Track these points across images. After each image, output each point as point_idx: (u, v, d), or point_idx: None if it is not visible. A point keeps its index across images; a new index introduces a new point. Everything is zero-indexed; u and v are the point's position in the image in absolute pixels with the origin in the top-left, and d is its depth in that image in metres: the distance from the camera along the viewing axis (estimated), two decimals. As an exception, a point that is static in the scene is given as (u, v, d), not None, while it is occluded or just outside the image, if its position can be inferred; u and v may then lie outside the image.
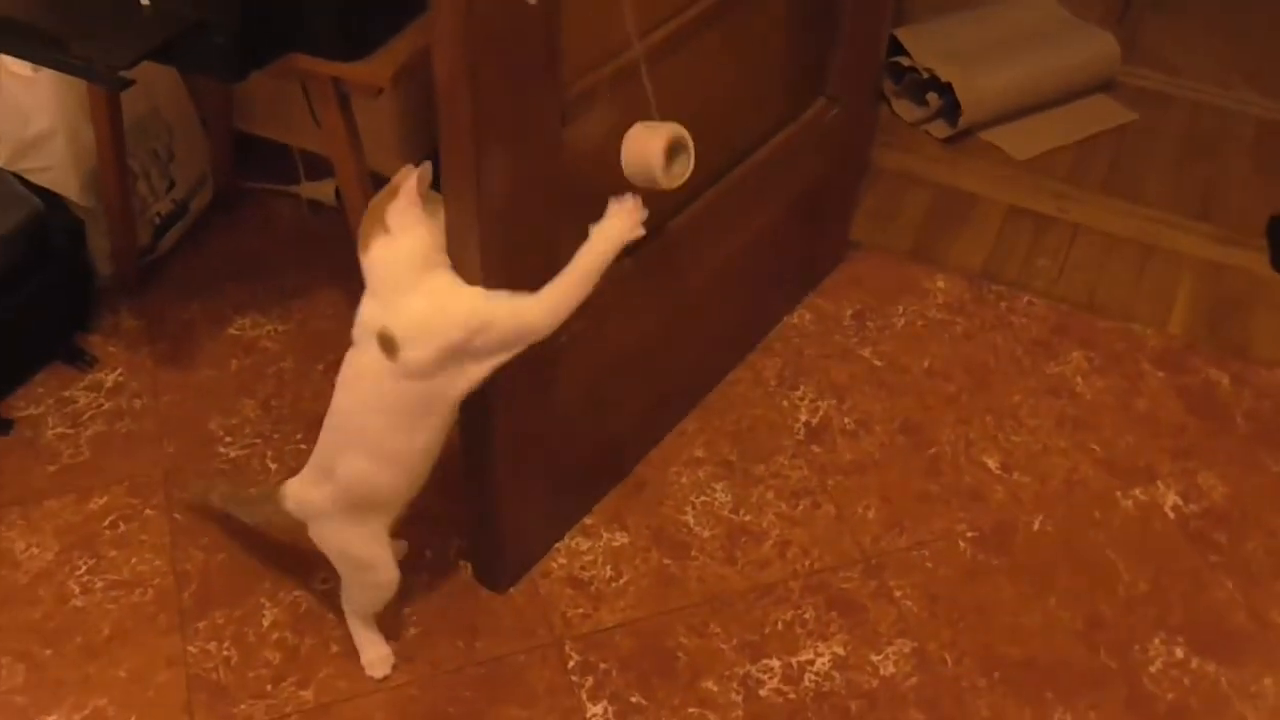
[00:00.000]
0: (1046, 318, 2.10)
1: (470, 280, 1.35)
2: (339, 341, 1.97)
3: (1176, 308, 2.13)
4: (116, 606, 1.65)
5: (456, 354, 1.34)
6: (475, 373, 1.37)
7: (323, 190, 2.23)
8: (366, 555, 1.51)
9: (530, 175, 1.36)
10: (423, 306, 1.33)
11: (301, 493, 1.50)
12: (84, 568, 1.70)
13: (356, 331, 1.39)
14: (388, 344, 1.34)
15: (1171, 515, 1.80)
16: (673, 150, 1.39)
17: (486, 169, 1.28)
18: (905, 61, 2.51)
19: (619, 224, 1.36)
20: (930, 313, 2.10)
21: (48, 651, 1.60)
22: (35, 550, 1.72)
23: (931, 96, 2.49)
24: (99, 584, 1.68)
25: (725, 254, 1.81)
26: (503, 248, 1.36)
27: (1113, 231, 2.29)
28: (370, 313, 1.36)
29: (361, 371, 1.39)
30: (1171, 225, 2.30)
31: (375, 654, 1.59)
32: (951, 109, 2.45)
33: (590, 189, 1.39)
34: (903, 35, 2.52)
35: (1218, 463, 1.87)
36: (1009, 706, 1.58)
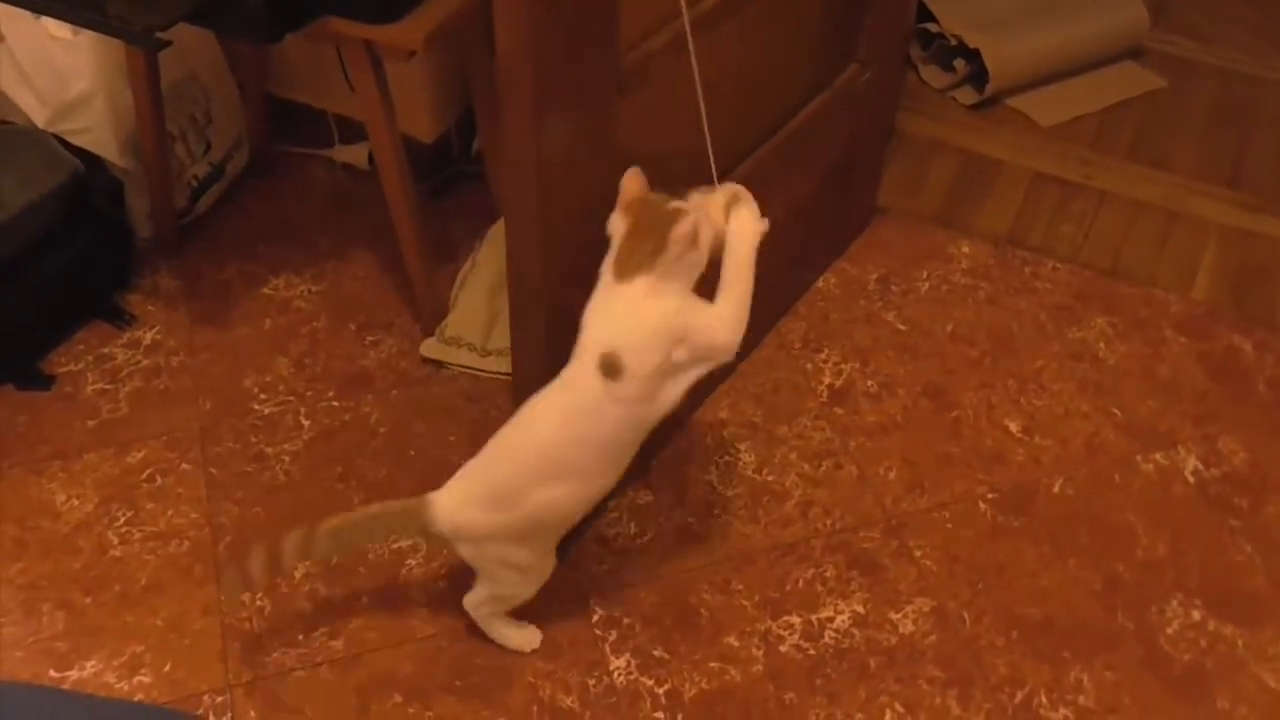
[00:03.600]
0: (1070, 283, 2.11)
1: (530, 251, 1.37)
2: (371, 302, 2.04)
3: (1200, 274, 2.14)
4: (154, 557, 1.70)
5: (664, 370, 1.36)
6: (675, 391, 1.39)
7: (356, 154, 2.26)
8: (537, 567, 1.52)
9: (587, 144, 1.38)
10: (642, 324, 1.35)
11: (463, 517, 1.45)
12: (122, 519, 1.74)
13: (572, 371, 1.40)
14: (612, 367, 1.35)
15: (1191, 480, 1.82)
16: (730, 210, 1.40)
17: (546, 139, 1.30)
18: (933, 28, 2.51)
19: (749, 223, 1.38)
20: (954, 278, 2.12)
21: (87, 600, 1.65)
22: (75, 502, 1.76)
23: (959, 63, 2.49)
24: (137, 535, 1.73)
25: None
26: (561, 217, 1.39)
27: (1138, 198, 2.29)
28: (594, 338, 1.38)
29: (577, 406, 1.39)
30: (1198, 192, 2.30)
31: (523, 635, 1.60)
32: (979, 75, 2.45)
33: (642, 159, 1.41)
34: (931, 1, 2.52)
35: (1239, 428, 1.88)
36: (1026, 665, 1.60)
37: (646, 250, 1.34)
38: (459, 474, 1.47)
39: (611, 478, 1.47)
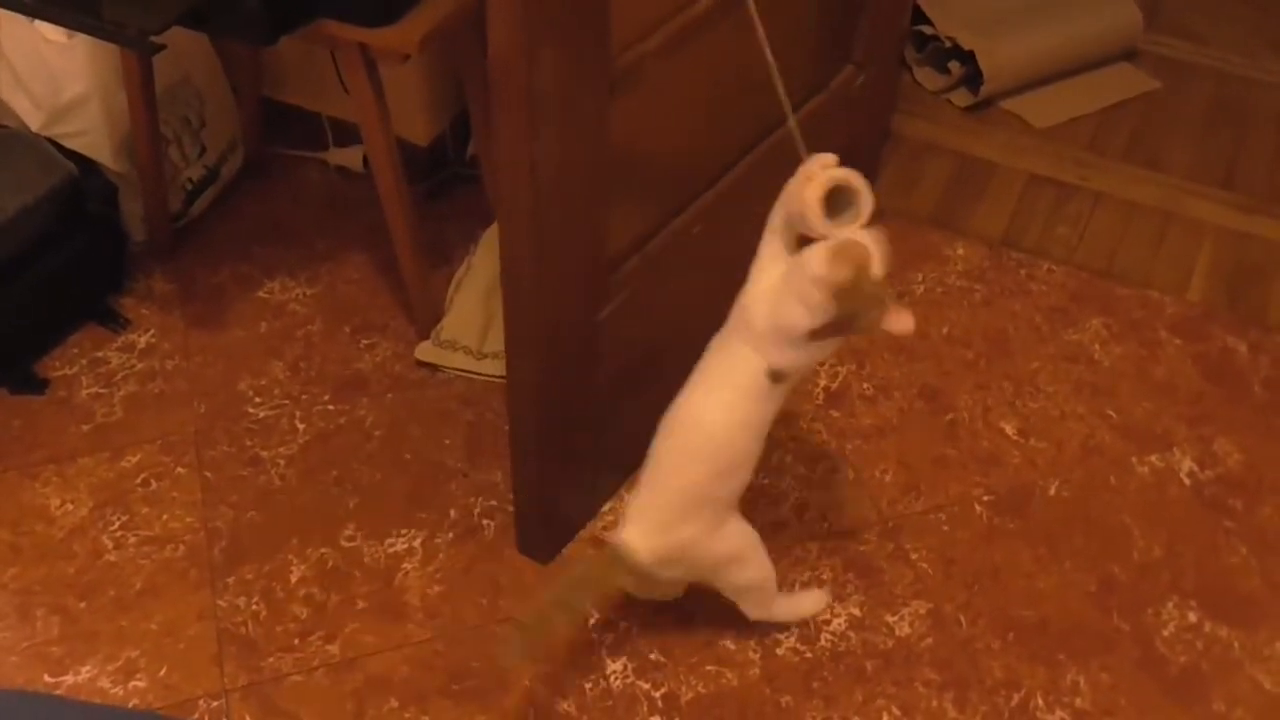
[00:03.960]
0: (1066, 285, 2.11)
1: (524, 254, 1.37)
2: (366, 305, 2.04)
3: (1196, 275, 2.14)
4: (149, 561, 1.70)
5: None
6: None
7: (351, 157, 2.26)
8: (744, 543, 1.51)
9: (580, 146, 1.38)
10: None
11: (661, 541, 1.43)
12: (117, 523, 1.74)
13: (725, 362, 1.41)
14: (777, 375, 1.37)
15: (1187, 481, 1.82)
16: (834, 198, 1.31)
17: (539, 140, 1.31)
18: (928, 30, 2.51)
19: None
20: (950, 279, 2.12)
21: (82, 604, 1.65)
22: (70, 506, 1.76)
23: (954, 65, 2.49)
24: (131, 539, 1.72)
25: (759, 225, 1.83)
26: (556, 218, 1.39)
27: (1133, 199, 2.29)
28: (754, 355, 1.38)
29: (743, 392, 1.40)
30: (1193, 194, 2.31)
31: (812, 598, 1.64)
32: (974, 77, 2.45)
33: (636, 160, 1.41)
34: (926, 4, 2.52)
35: (1234, 430, 1.89)
36: (1022, 667, 1.60)
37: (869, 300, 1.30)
38: (634, 507, 1.44)
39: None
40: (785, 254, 1.37)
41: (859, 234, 1.31)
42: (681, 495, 1.43)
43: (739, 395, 1.40)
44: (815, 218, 1.30)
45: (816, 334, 1.33)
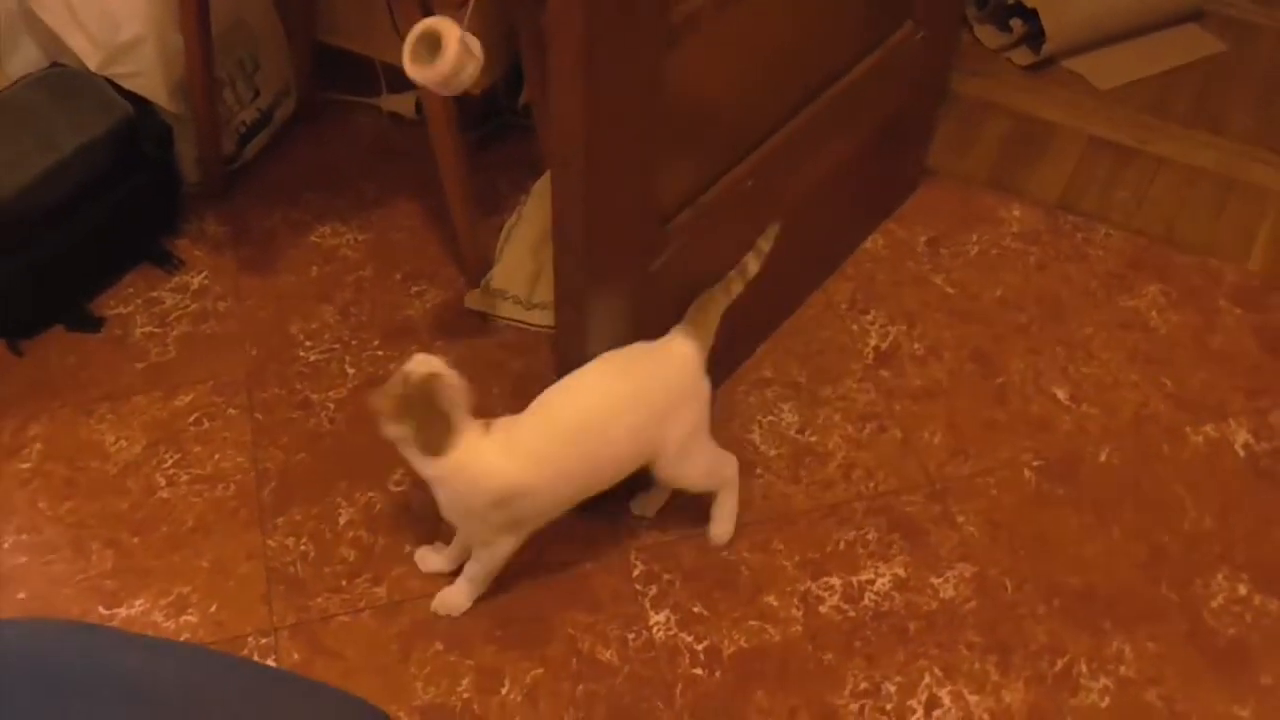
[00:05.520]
0: (1123, 250, 2.08)
1: (575, 205, 1.40)
2: (416, 252, 2.04)
3: (1257, 244, 2.10)
4: (200, 500, 1.72)
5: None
6: None
7: (403, 103, 2.25)
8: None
9: (634, 98, 1.37)
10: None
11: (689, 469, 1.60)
12: (170, 461, 1.76)
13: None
14: None
15: (1241, 453, 1.80)
16: (425, 41, 1.42)
17: (593, 92, 1.29)
18: (990, -14, 2.47)
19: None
20: (1004, 242, 2.09)
21: (135, 540, 1.68)
22: (124, 444, 1.78)
23: (1015, 22, 2.45)
24: (184, 478, 1.74)
25: (811, 180, 1.81)
26: (608, 170, 1.38)
27: (1195, 164, 2.25)
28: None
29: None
30: (1256, 160, 2.26)
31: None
32: (1035, 36, 2.41)
33: (689, 113, 1.39)
34: (989, -41, 2.48)
35: (1292, 402, 1.86)
36: (1067, 634, 1.60)
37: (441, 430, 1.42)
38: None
39: None
40: None
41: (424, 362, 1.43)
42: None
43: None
44: (407, 59, 1.43)
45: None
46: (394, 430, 1.43)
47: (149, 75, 1.95)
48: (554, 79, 1.30)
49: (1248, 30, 2.53)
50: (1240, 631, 1.60)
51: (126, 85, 1.95)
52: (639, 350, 1.53)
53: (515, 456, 1.45)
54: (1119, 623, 1.61)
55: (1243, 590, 1.64)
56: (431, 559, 1.64)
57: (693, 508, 1.71)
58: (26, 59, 2.02)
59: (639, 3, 1.30)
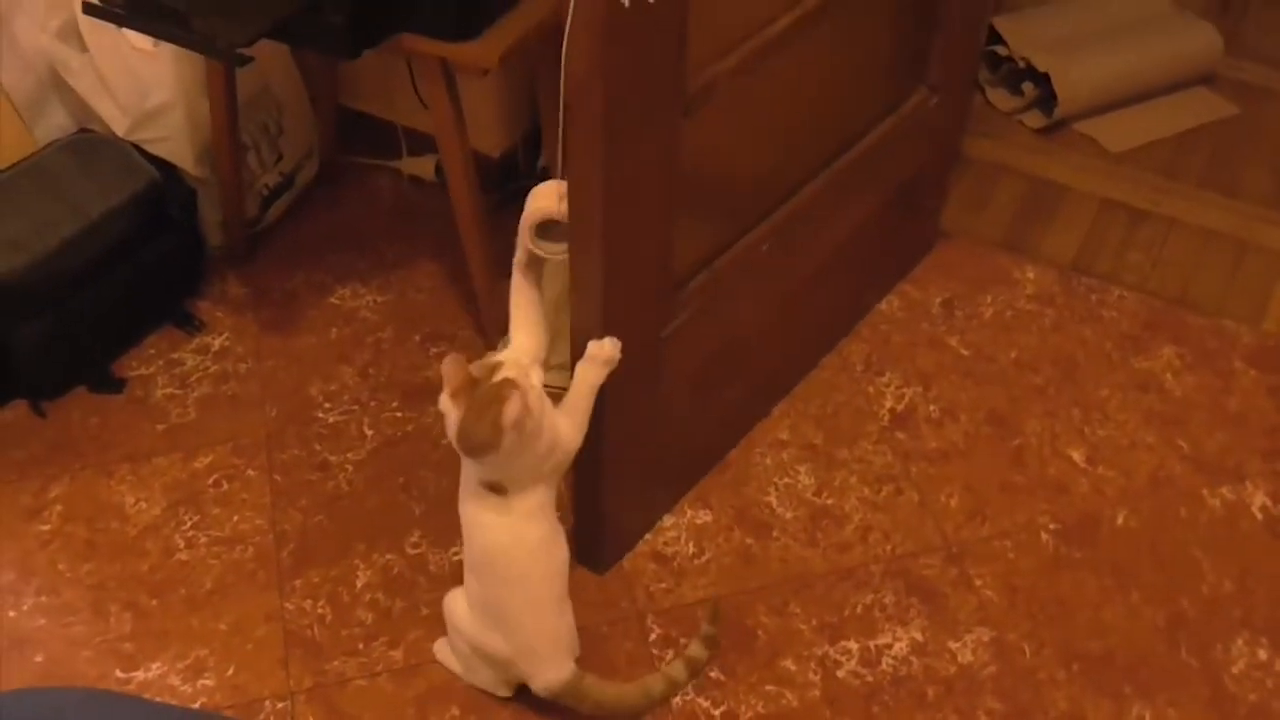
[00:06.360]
0: (1137, 312, 2.09)
1: (593, 268, 1.42)
2: (435, 314, 2.06)
3: (1272, 305, 2.10)
4: (219, 562, 1.73)
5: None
6: None
7: (423, 166, 2.29)
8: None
9: (651, 164, 1.39)
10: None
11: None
12: (189, 523, 1.77)
13: None
14: (494, 486, 1.47)
15: (1259, 516, 1.79)
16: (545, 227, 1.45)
17: (611, 158, 1.32)
18: (1002, 50, 2.50)
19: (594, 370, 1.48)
20: (1019, 303, 2.10)
21: (154, 602, 1.68)
22: (144, 505, 1.80)
23: (1027, 86, 2.48)
24: (203, 539, 1.75)
25: (827, 244, 1.83)
26: (625, 234, 1.40)
27: (1208, 226, 2.26)
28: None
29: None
30: (1269, 221, 2.27)
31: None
32: (1047, 99, 2.43)
33: (706, 178, 1.42)
34: (1000, 24, 2.51)
35: (1309, 465, 1.86)
36: (1087, 699, 1.59)
37: (484, 436, 1.36)
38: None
39: None
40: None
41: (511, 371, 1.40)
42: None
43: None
44: (525, 234, 1.46)
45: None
46: (445, 404, 1.40)
47: (176, 140, 1.98)
48: (571, 144, 1.33)
49: (1259, 94, 2.55)
50: (1261, 698, 1.59)
51: (153, 150, 1.98)
52: None
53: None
54: (1139, 688, 1.60)
55: (1263, 655, 1.63)
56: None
57: (711, 570, 1.71)
58: (55, 124, 2.07)
59: (656, 72, 1.33)
